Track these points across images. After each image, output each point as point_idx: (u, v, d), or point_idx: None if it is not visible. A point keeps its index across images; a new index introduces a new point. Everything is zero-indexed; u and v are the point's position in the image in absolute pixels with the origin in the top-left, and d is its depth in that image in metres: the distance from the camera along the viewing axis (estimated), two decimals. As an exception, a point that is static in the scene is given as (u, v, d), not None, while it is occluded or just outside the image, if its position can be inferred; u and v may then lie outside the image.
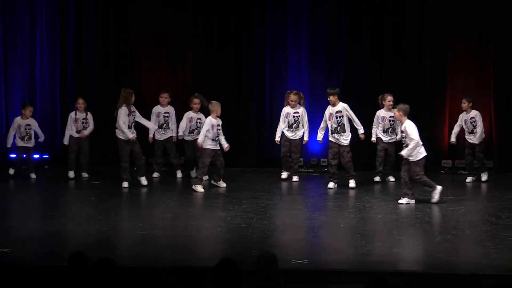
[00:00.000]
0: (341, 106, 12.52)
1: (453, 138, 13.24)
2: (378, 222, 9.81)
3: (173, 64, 14.52)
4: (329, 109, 12.63)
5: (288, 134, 12.99)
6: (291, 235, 9.34)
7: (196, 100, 13.17)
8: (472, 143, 13.06)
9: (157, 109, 13.38)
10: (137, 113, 12.59)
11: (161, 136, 13.33)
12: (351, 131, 12.52)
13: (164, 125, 13.33)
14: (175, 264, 7.75)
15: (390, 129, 13.16)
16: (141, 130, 13.21)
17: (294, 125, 12.97)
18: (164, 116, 13.34)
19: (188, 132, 13.22)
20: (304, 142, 13.05)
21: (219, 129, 12.23)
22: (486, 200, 11.66)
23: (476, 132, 13.04)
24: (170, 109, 13.41)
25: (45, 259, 7.97)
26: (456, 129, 13.22)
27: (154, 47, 14.47)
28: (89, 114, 13.56)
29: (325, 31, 14.19)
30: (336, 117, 12.50)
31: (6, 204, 11.52)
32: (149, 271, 7.49)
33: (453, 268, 7.72)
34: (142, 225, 9.57)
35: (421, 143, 11.12)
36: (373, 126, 13.23)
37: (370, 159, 13.47)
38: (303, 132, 13.02)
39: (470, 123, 13.08)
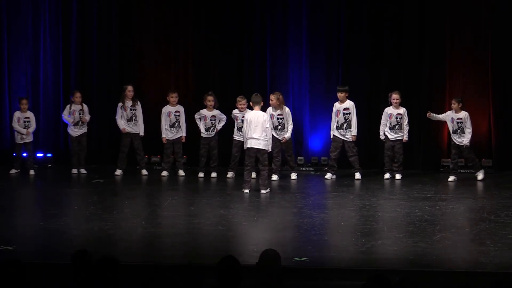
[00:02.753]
0: (349, 103, 12.96)
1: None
2: (378, 220, 9.82)
3: (174, 63, 14.52)
4: (336, 106, 12.97)
5: (275, 136, 12.98)
6: (292, 233, 9.35)
7: (211, 98, 13.26)
8: (458, 144, 13.03)
9: (167, 108, 13.43)
10: (139, 109, 13.46)
11: (172, 135, 13.38)
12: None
13: (176, 124, 13.37)
14: (177, 262, 7.75)
15: (397, 126, 13.17)
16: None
17: (279, 127, 12.97)
18: (175, 115, 13.38)
19: (205, 130, 13.28)
20: (283, 140, 12.91)
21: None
22: (485, 198, 11.66)
23: (463, 134, 12.99)
24: (180, 108, 13.46)
25: (48, 256, 7.98)
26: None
27: (156, 46, 14.47)
28: (84, 106, 13.71)
29: (325, 29, 14.18)
30: (344, 114, 12.94)
31: (10, 202, 11.53)
32: (151, 268, 7.50)
33: (452, 265, 7.73)
34: (145, 223, 9.58)
35: (246, 136, 11.68)
36: (382, 123, 13.28)
37: (375, 156, 13.52)
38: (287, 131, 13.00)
39: (456, 123, 13.03)
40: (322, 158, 13.88)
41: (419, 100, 14.04)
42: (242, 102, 13.03)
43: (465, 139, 12.96)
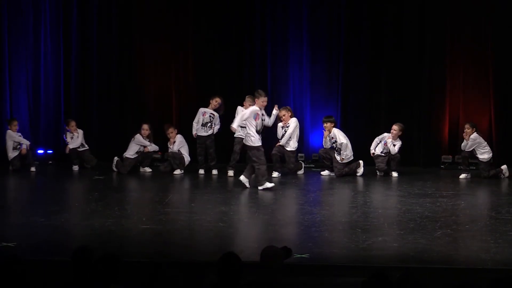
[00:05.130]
0: (333, 133, 13.16)
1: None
2: (378, 217, 9.79)
3: (174, 63, 14.50)
4: (325, 133, 13.25)
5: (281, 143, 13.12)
6: (293, 229, 9.35)
7: (219, 100, 13.32)
8: (481, 161, 12.98)
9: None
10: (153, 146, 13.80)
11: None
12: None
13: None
14: (178, 259, 7.76)
15: (388, 152, 13.18)
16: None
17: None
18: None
19: (202, 125, 13.31)
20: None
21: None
22: (486, 195, 11.65)
23: (480, 153, 12.93)
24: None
25: (49, 253, 7.96)
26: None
27: (157, 46, 14.46)
28: (80, 131, 13.86)
29: (326, 28, 14.18)
30: (332, 143, 13.23)
31: (11, 198, 11.55)
32: (152, 265, 7.49)
33: (453, 262, 7.71)
34: (146, 220, 9.58)
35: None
36: (375, 141, 13.30)
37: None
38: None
39: (473, 151, 12.98)
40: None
41: (419, 99, 14.03)
42: (248, 101, 13.08)
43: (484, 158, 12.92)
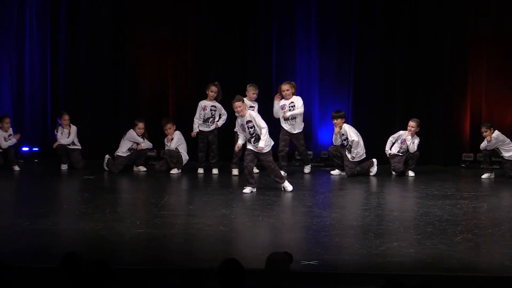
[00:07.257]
0: (344, 130, 13.18)
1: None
2: (393, 220, 9.81)
3: (172, 51, 14.49)
4: (335, 130, 13.26)
5: (286, 127, 13.01)
6: (300, 234, 9.36)
7: (214, 88, 13.22)
8: (506, 159, 12.95)
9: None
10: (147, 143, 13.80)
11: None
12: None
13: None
14: (175, 266, 7.78)
15: (406, 151, 13.19)
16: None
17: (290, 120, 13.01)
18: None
19: (203, 121, 13.27)
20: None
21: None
22: (510, 196, 11.63)
23: (505, 151, 12.94)
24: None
25: (35, 260, 7.99)
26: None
27: (152, 33, 14.44)
28: (73, 127, 13.80)
29: (336, 14, 14.16)
30: (342, 140, 13.26)
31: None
32: (147, 273, 7.52)
33: (474, 269, 7.72)
34: (140, 224, 9.60)
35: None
36: (390, 139, 13.33)
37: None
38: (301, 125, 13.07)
39: (496, 150, 12.98)
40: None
41: (438, 90, 14.02)
42: (251, 90, 13.07)
43: (504, 154, 12.89)
